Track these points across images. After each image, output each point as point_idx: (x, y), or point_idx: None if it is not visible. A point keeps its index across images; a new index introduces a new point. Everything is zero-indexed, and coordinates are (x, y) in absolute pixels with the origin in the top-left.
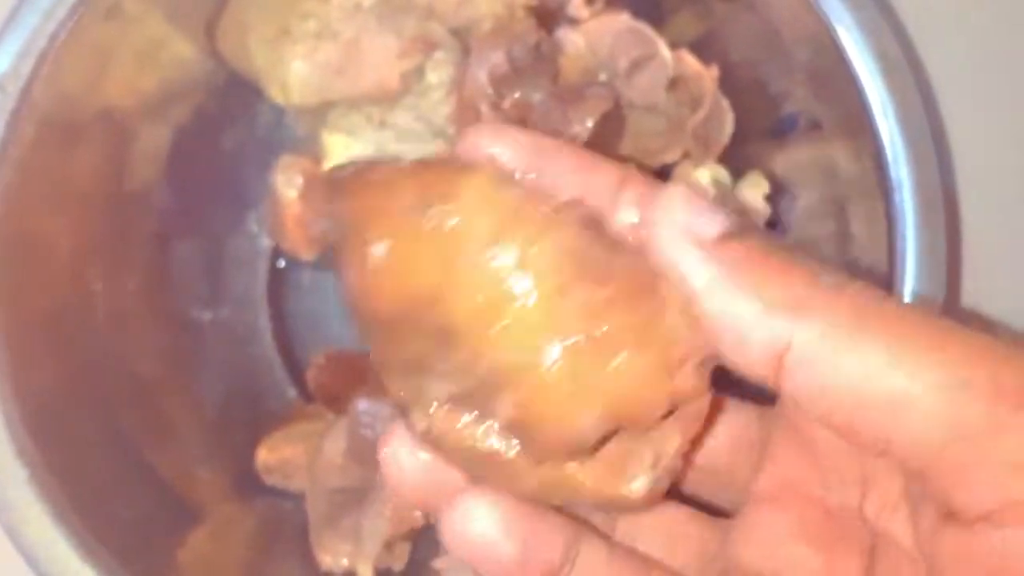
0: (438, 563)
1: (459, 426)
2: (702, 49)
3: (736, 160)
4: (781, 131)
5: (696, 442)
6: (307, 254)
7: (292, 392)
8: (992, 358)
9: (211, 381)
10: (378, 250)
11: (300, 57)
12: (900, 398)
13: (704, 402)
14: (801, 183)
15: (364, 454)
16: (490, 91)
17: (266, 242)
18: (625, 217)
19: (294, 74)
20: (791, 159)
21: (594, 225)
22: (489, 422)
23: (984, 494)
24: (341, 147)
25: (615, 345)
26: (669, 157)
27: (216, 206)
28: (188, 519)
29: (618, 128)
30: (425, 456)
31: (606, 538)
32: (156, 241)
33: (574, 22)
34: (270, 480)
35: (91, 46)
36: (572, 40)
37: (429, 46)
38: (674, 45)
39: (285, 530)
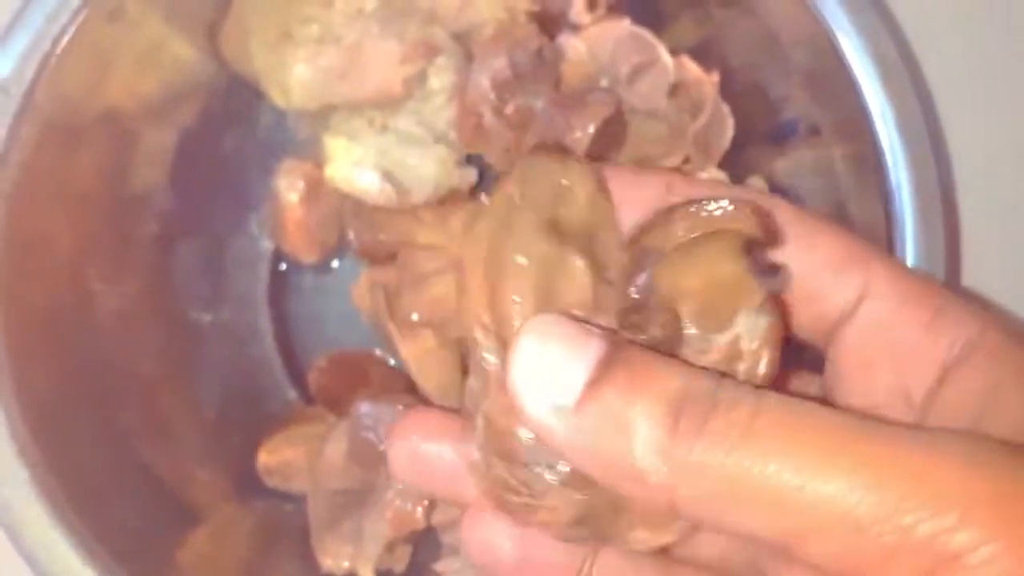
0: (439, 566)
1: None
2: (702, 55)
3: (736, 165)
4: (781, 136)
5: None
6: (308, 257)
7: (293, 394)
8: (878, 477)
9: (212, 382)
10: None
11: (302, 61)
12: (794, 535)
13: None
14: (801, 187)
15: (365, 456)
16: (492, 97)
17: (267, 244)
18: None
19: (296, 78)
20: (791, 163)
21: None
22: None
23: None
24: (342, 151)
25: None
26: (670, 163)
27: (217, 208)
28: (188, 520)
29: (619, 134)
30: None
31: (623, 552)
32: (157, 242)
33: (576, 28)
34: (271, 482)
35: (94, 49)
36: (574, 46)
37: (431, 51)
38: (675, 51)
39: (285, 532)
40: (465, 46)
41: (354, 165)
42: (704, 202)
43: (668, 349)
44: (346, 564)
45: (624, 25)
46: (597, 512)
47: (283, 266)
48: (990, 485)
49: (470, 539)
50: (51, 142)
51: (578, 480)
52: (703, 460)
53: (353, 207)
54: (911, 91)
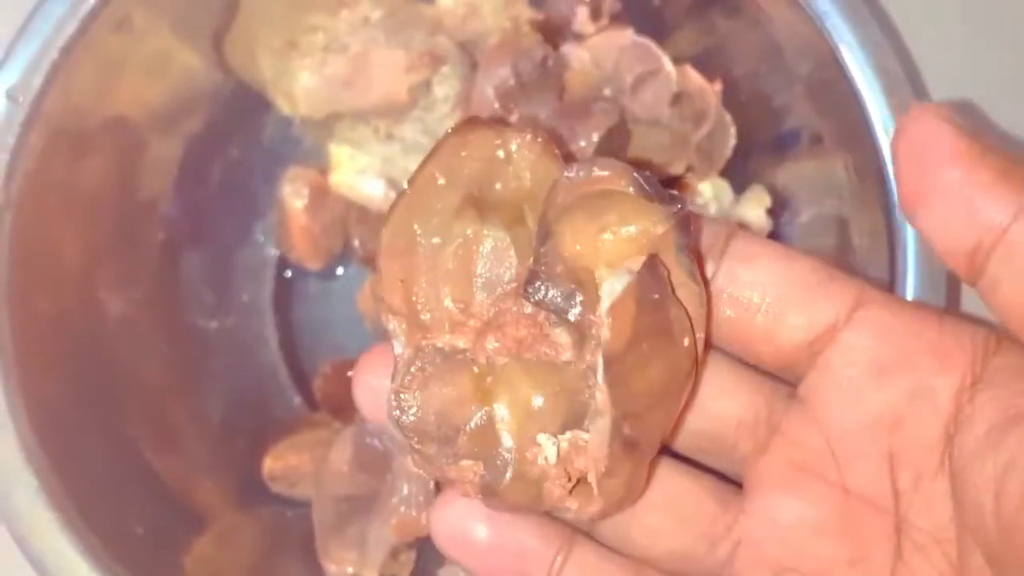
0: (443, 572)
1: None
2: (705, 64)
3: (738, 174)
4: (783, 146)
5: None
6: (314, 264)
7: (298, 400)
8: None
9: (217, 389)
10: None
11: (308, 69)
12: None
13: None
14: (803, 197)
15: (370, 463)
16: (496, 106)
17: (273, 251)
18: None
19: (301, 86)
20: (793, 173)
21: None
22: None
23: None
24: (348, 159)
25: None
26: (673, 171)
27: (223, 216)
28: (194, 526)
29: (623, 143)
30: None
31: (599, 546)
32: (164, 250)
33: (579, 37)
34: (276, 488)
35: (101, 58)
36: (577, 55)
37: (436, 60)
38: (678, 60)
39: (290, 538)
40: (470, 55)
41: (359, 173)
42: (581, 168)
43: (574, 319)
44: (350, 570)
45: (627, 35)
46: (505, 484)
47: (288, 273)
48: None
49: (440, 526)
50: (59, 150)
51: (473, 452)
52: None
53: (358, 214)
54: (913, 102)
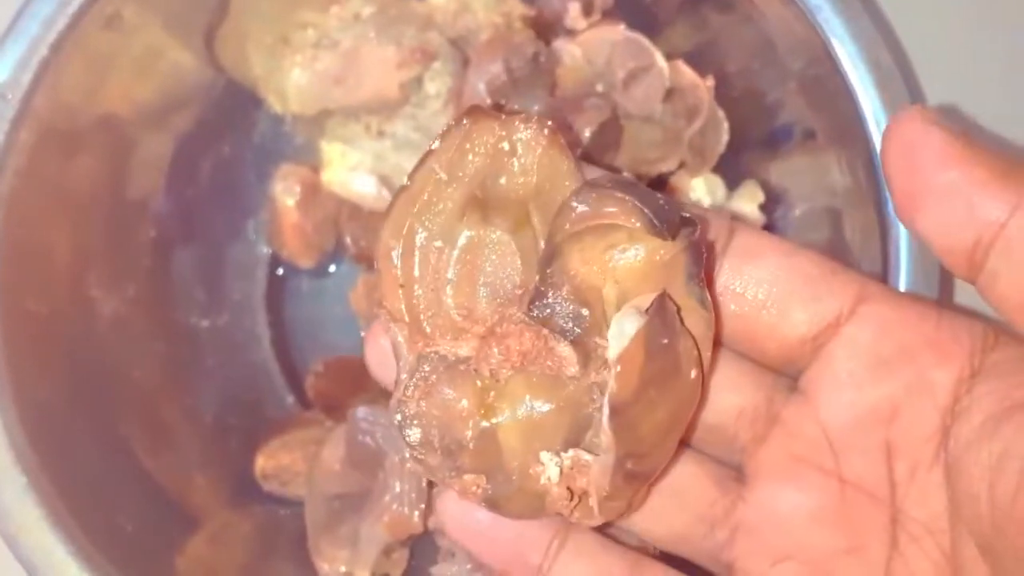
0: (436, 570)
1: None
2: (698, 60)
3: (731, 170)
4: (776, 141)
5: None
6: (306, 261)
7: (291, 399)
8: None
9: (209, 388)
10: None
11: (299, 66)
12: None
13: None
14: (796, 192)
15: (363, 461)
16: (488, 102)
17: (265, 249)
18: None
19: (293, 83)
20: (786, 168)
21: None
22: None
23: None
24: (339, 156)
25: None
26: (665, 167)
27: (215, 214)
28: (186, 525)
29: (615, 138)
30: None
31: (597, 532)
32: (155, 248)
33: (571, 33)
34: (268, 487)
35: (91, 55)
36: (569, 51)
37: (427, 57)
38: (670, 56)
39: (283, 537)
40: (461, 51)
41: (351, 170)
42: (590, 202)
43: (579, 339)
44: (343, 568)
45: (619, 30)
46: (506, 499)
47: (280, 271)
48: None
49: (445, 512)
50: (49, 148)
51: (476, 466)
52: None
53: (350, 211)
54: (906, 97)
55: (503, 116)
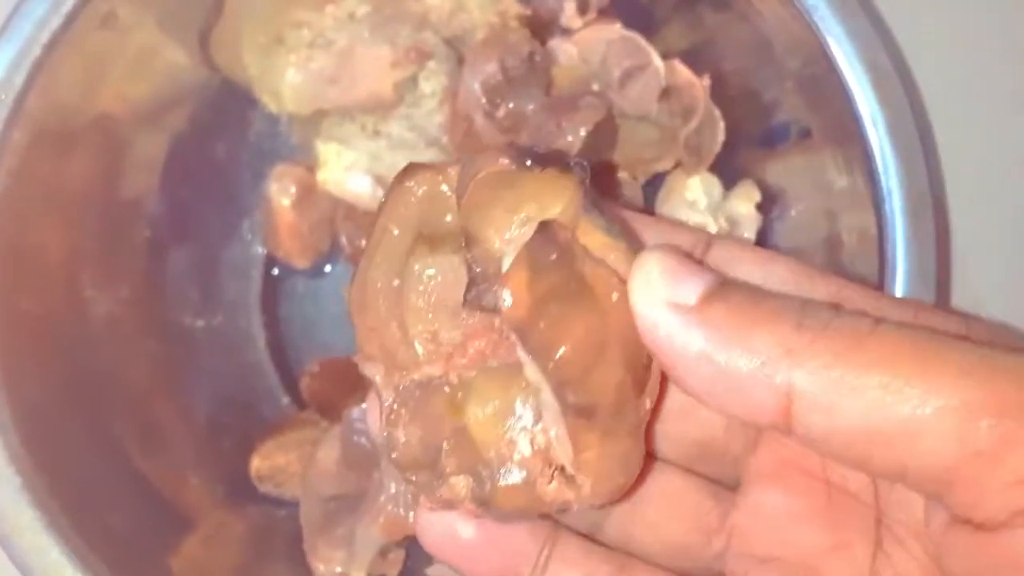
0: (432, 571)
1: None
2: (694, 59)
3: (728, 169)
4: (772, 140)
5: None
6: (301, 262)
7: (285, 399)
8: (992, 373)
9: (204, 388)
10: None
11: (294, 66)
12: (907, 428)
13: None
14: (792, 192)
15: (358, 461)
16: (483, 101)
17: (260, 249)
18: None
19: (288, 83)
20: (783, 168)
21: None
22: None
23: (995, 508)
24: (335, 156)
25: None
26: (661, 166)
27: (210, 214)
28: (181, 526)
29: (610, 138)
30: None
31: (583, 538)
32: (149, 248)
33: (567, 32)
34: (263, 487)
35: (85, 55)
36: (565, 50)
37: (422, 56)
38: (666, 55)
39: (278, 538)
40: (457, 50)
41: (346, 170)
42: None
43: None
44: (339, 569)
45: (615, 29)
46: (492, 495)
47: (276, 271)
48: None
49: (427, 527)
50: (42, 148)
51: (457, 467)
52: (826, 352)
53: (345, 211)
54: (902, 96)
55: (438, 165)
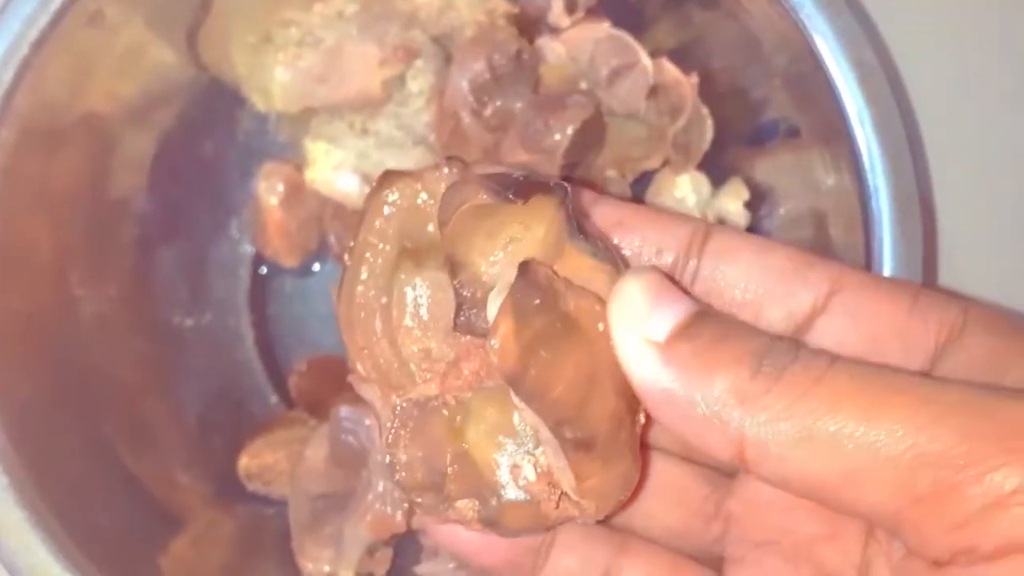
0: (420, 569)
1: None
2: (682, 57)
3: (716, 167)
4: (760, 138)
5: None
6: (289, 260)
7: (274, 398)
8: (933, 419)
9: (193, 387)
10: None
11: (282, 64)
12: (852, 478)
13: None
14: (780, 189)
15: (346, 460)
16: (471, 99)
17: (248, 248)
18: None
19: (276, 81)
20: (771, 166)
21: None
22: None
23: (940, 550)
24: (323, 154)
25: None
26: (650, 165)
27: (198, 212)
28: (169, 525)
29: (599, 136)
30: None
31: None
32: (138, 247)
33: (555, 31)
34: (252, 486)
35: (73, 53)
36: (553, 48)
37: (410, 55)
38: (654, 54)
39: (267, 536)
40: (445, 49)
41: (334, 168)
42: (449, 195)
43: None
44: (327, 568)
45: (603, 28)
46: (499, 515)
47: (264, 270)
48: None
49: (438, 527)
50: (30, 146)
51: (461, 491)
52: (778, 402)
53: (334, 210)
54: (889, 94)
55: (415, 172)
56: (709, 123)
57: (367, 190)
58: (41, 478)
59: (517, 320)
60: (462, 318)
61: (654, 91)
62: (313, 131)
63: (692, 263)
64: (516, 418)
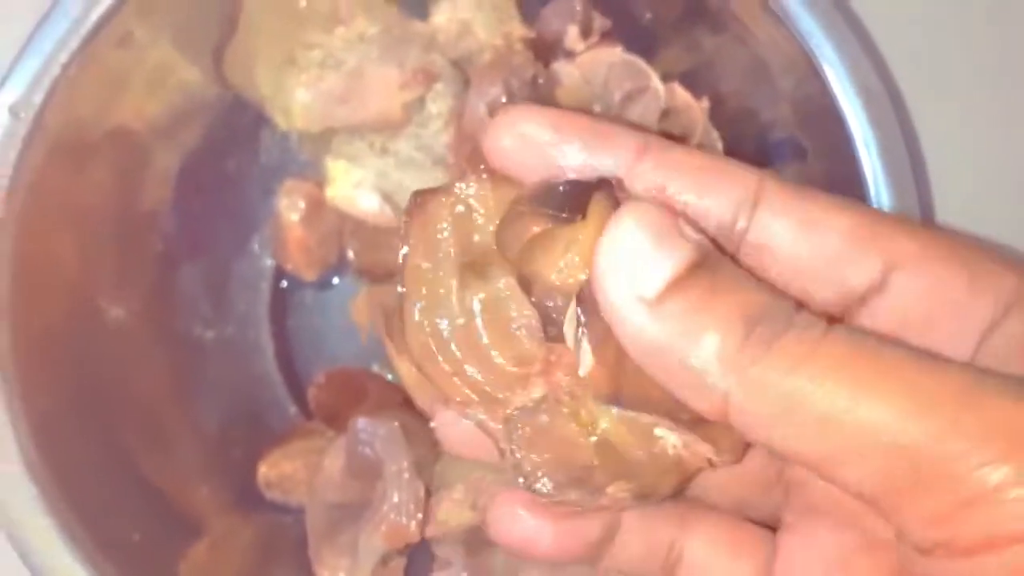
0: None
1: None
2: (693, 81)
3: None
4: (769, 160)
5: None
6: (309, 275)
7: (293, 409)
8: (925, 407)
9: (214, 398)
10: None
11: (304, 85)
12: (834, 458)
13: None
14: None
15: (362, 471)
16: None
17: (269, 263)
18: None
19: (298, 101)
20: None
21: None
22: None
23: (919, 540)
24: (343, 173)
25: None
26: None
27: (220, 228)
28: (190, 532)
29: None
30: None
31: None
32: (161, 261)
33: (570, 55)
34: (270, 495)
35: (103, 73)
36: (568, 72)
37: (430, 78)
38: (666, 77)
39: (284, 544)
40: (463, 72)
41: (354, 187)
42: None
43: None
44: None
45: (617, 52)
46: (652, 485)
47: (284, 284)
48: None
49: (509, 537)
50: (59, 164)
51: (610, 476)
52: (765, 374)
53: (353, 227)
54: (893, 119)
55: (444, 186)
56: (719, 145)
57: (386, 208)
58: (67, 488)
59: (595, 347)
60: (551, 328)
61: (666, 114)
62: (334, 150)
63: (742, 221)
64: None
